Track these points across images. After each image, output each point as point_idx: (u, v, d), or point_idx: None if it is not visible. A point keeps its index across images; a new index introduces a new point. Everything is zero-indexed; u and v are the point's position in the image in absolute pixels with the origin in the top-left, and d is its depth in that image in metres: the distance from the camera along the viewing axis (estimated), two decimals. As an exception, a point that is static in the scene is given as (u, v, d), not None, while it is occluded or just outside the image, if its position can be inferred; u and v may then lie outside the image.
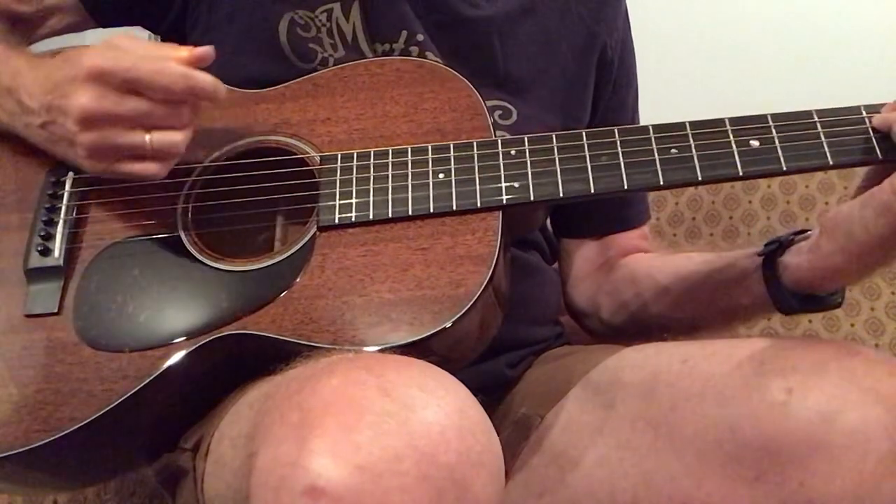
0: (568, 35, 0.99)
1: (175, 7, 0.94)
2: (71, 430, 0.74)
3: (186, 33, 0.95)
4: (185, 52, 0.75)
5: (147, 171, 0.75)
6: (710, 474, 0.72)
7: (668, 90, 1.31)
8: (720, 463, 0.72)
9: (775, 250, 0.82)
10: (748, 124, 0.77)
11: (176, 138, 0.75)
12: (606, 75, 1.02)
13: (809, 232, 0.80)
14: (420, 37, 0.91)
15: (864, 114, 0.76)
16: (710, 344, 0.81)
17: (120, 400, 0.74)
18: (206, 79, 0.75)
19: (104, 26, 0.97)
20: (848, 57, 1.41)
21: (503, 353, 0.93)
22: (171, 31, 0.97)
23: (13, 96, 0.80)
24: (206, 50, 0.76)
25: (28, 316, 0.81)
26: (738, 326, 0.97)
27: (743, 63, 1.60)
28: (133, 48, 0.75)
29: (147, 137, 0.74)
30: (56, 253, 0.82)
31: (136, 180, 0.78)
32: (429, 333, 0.71)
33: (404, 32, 0.91)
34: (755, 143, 0.76)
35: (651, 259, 1.01)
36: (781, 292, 0.81)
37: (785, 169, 0.76)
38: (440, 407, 0.57)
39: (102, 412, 0.74)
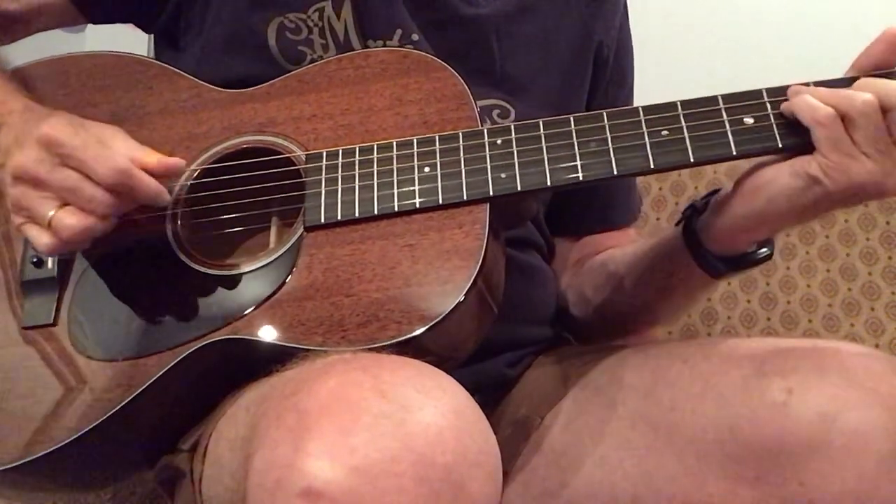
0: (566, 33, 0.99)
1: (168, 8, 0.94)
2: (68, 440, 0.74)
3: (179, 35, 0.95)
4: (153, 158, 0.76)
5: (38, 241, 0.75)
6: (711, 474, 0.72)
7: (670, 84, 1.30)
8: (720, 463, 0.72)
9: (691, 216, 0.82)
10: (742, 101, 0.75)
11: (76, 224, 0.74)
12: (601, 73, 1.02)
13: (721, 191, 0.80)
14: (415, 36, 0.91)
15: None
16: (711, 344, 0.81)
17: (115, 409, 0.74)
18: (147, 184, 0.75)
19: (96, 23, 0.98)
20: (849, 43, 1.40)
21: (502, 353, 0.92)
22: (163, 33, 0.97)
23: None
24: (175, 163, 0.77)
25: (25, 328, 0.81)
26: (686, 306, 0.98)
27: (744, 56, 1.59)
28: (106, 139, 0.76)
29: (51, 212, 0.74)
30: (49, 264, 0.82)
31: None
32: (418, 332, 0.70)
33: (399, 31, 0.91)
34: (749, 121, 0.74)
35: (612, 250, 1.01)
36: (705, 257, 0.81)
37: (781, 146, 0.73)
38: (437, 408, 0.57)
39: (98, 421, 0.74)
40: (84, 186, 0.74)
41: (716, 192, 0.82)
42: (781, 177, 0.73)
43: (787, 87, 0.75)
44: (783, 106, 0.74)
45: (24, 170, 0.74)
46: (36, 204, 0.75)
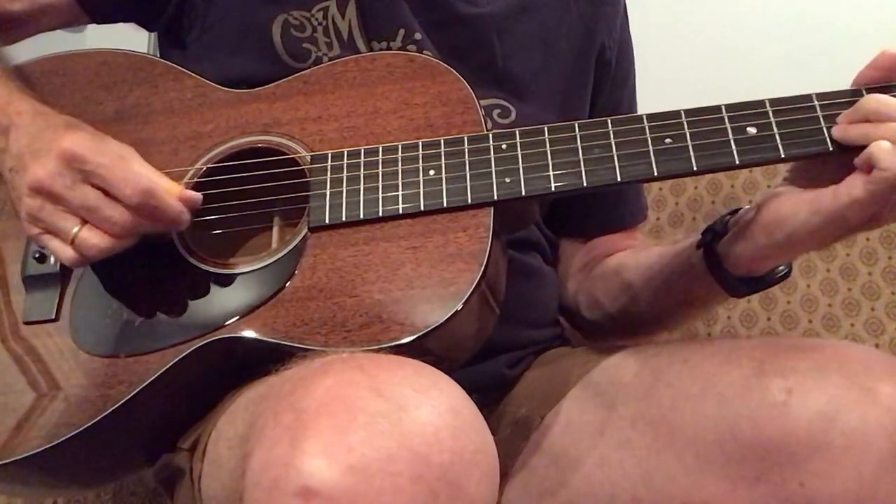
0: (567, 33, 0.99)
1: (171, 7, 0.94)
2: (68, 436, 0.74)
3: (183, 34, 0.95)
4: (176, 188, 0.76)
5: (63, 255, 0.76)
6: (711, 474, 0.72)
7: (670, 86, 1.30)
8: (720, 463, 0.72)
9: (712, 240, 0.82)
10: (745, 110, 0.75)
11: (100, 244, 0.74)
12: (604, 74, 1.02)
13: (741, 212, 0.81)
14: (418, 35, 0.91)
15: (866, 94, 0.73)
16: (710, 344, 0.81)
17: (115, 405, 0.74)
18: (170, 205, 0.75)
19: (99, 23, 0.98)
20: (850, 46, 1.40)
21: (502, 353, 0.92)
22: (167, 32, 0.97)
23: (5, 134, 0.81)
24: (195, 197, 0.77)
25: (26, 323, 0.81)
26: (701, 316, 0.98)
27: (744, 56, 1.59)
28: (130, 159, 0.76)
29: (75, 229, 0.74)
30: (52, 259, 0.82)
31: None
32: (419, 334, 0.71)
33: (402, 31, 0.91)
34: (752, 131, 0.74)
35: (623, 256, 1.01)
36: (727, 278, 0.81)
37: (783, 156, 0.74)
38: (433, 407, 0.57)
39: (98, 418, 0.74)
40: (103, 206, 0.74)
41: (734, 212, 0.82)
42: (801, 213, 0.73)
43: (790, 97, 0.75)
44: (841, 131, 0.72)
45: (42, 184, 0.74)
46: (55, 219, 0.75)
